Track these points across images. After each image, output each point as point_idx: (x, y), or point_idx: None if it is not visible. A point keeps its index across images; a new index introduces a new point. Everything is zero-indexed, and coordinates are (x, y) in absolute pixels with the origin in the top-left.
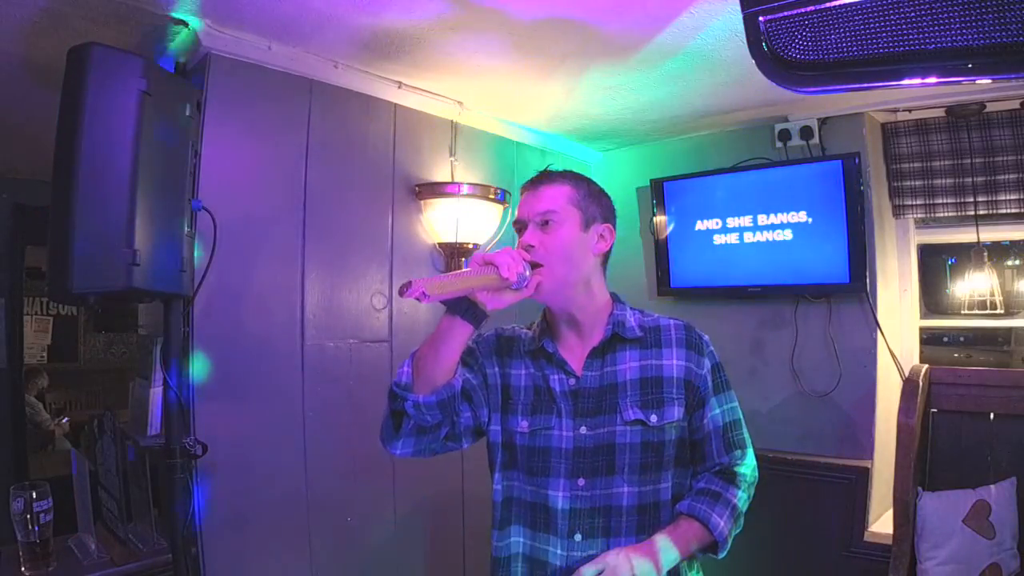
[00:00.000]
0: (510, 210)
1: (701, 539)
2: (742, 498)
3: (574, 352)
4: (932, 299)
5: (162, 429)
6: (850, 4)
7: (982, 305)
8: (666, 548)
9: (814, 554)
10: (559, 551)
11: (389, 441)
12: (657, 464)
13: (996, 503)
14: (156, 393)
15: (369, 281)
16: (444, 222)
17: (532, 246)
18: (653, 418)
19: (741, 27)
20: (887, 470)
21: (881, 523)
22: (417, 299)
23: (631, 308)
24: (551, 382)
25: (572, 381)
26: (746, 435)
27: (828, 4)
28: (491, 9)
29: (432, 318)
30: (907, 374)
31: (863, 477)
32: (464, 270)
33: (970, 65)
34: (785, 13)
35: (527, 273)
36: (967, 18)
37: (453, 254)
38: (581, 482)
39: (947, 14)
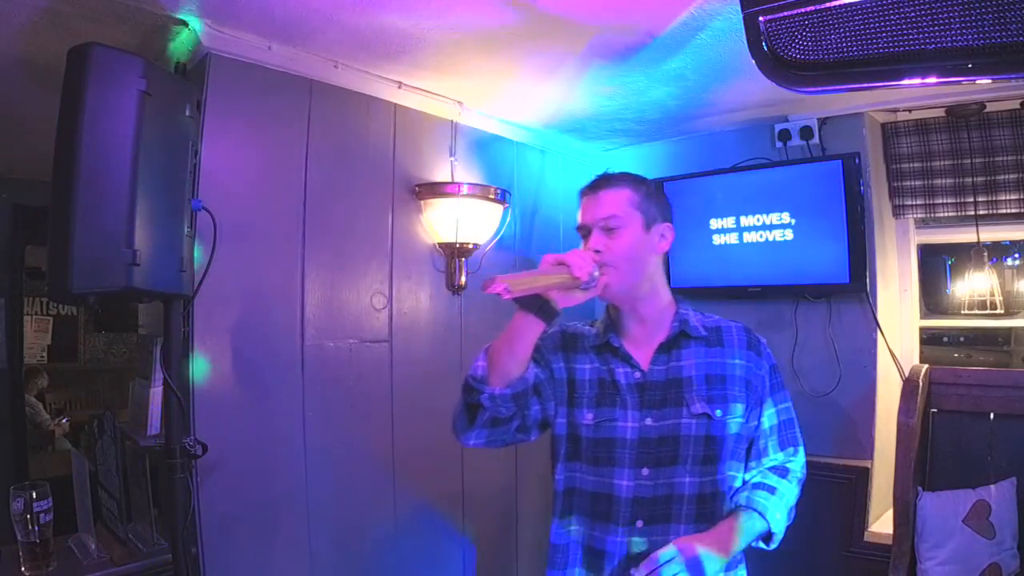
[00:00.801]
0: (510, 210)
1: (759, 530)
2: (795, 492)
3: (639, 347)
4: (932, 299)
5: (162, 429)
6: (850, 4)
7: (982, 305)
8: (729, 538)
9: (814, 554)
10: (619, 538)
11: (463, 432)
12: (717, 456)
13: (996, 503)
14: (156, 393)
15: (369, 281)
16: (444, 222)
17: (599, 251)
18: (718, 412)
19: (741, 27)
20: (887, 470)
21: (881, 523)
22: (499, 294)
23: (692, 308)
24: (616, 375)
25: (638, 375)
26: (799, 434)
27: (828, 4)
28: (491, 9)
29: (431, 319)
30: (907, 374)
31: (863, 477)
32: (537, 269)
33: (970, 65)
34: (785, 13)
35: (596, 273)
36: (967, 18)
37: (453, 254)
38: (645, 471)
39: (947, 14)
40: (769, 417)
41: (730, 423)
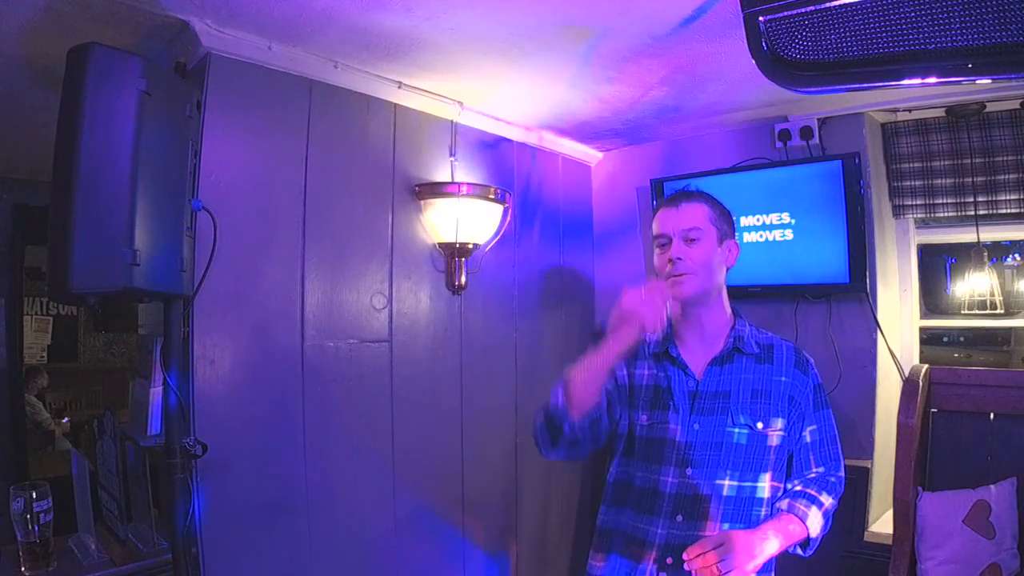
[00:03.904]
0: (509, 210)
1: (797, 535)
2: (831, 502)
3: (695, 356)
4: (932, 299)
5: (162, 429)
6: (850, 4)
7: (982, 305)
8: (772, 537)
9: (814, 554)
10: (660, 529)
11: (545, 450)
12: (757, 464)
13: (996, 503)
14: (156, 393)
15: (369, 281)
16: (444, 222)
17: (680, 259)
18: (760, 425)
19: (741, 27)
20: (887, 470)
21: (881, 523)
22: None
23: (749, 324)
24: (672, 382)
25: (691, 383)
26: (839, 450)
27: (828, 4)
28: (491, 9)
29: (431, 319)
30: (907, 374)
31: (863, 477)
32: (611, 340)
33: (970, 65)
34: (785, 13)
35: (666, 317)
36: (967, 18)
37: (453, 254)
38: (689, 471)
39: (947, 14)
40: (811, 433)
41: (771, 435)
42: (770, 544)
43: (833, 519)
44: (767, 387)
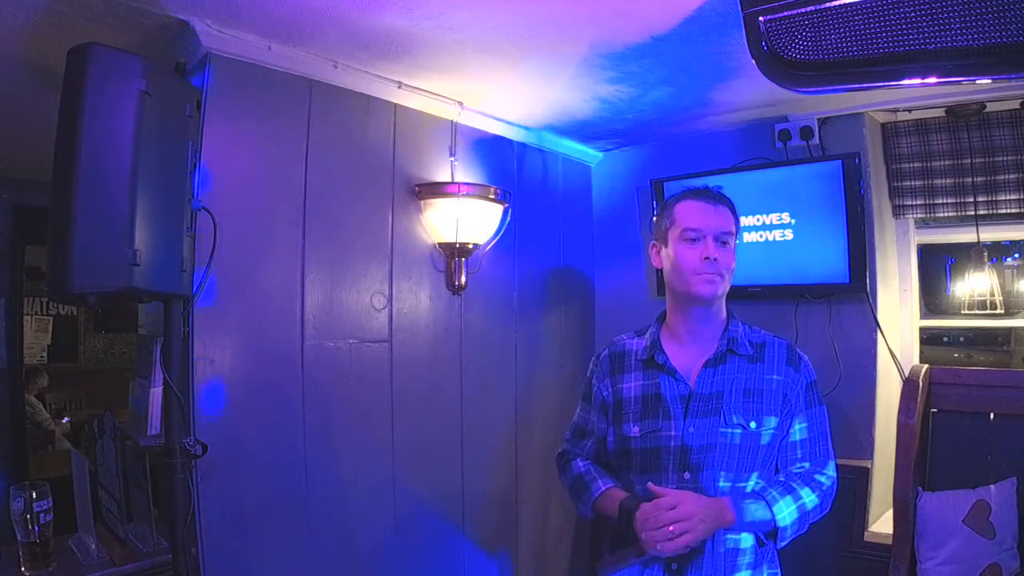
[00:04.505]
0: (509, 210)
1: (760, 518)
2: (812, 499)
3: (687, 360)
4: (932, 299)
5: (162, 429)
6: (850, 4)
7: (982, 305)
8: (729, 508)
9: (814, 554)
10: None
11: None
12: (751, 463)
13: (996, 503)
14: (156, 393)
15: (369, 281)
16: (444, 222)
17: (716, 259)
18: (753, 424)
19: (741, 27)
20: (887, 470)
21: (881, 523)
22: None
23: (742, 323)
24: (662, 389)
25: (683, 387)
26: (829, 448)
27: (828, 4)
28: (491, 9)
29: (431, 319)
30: (907, 374)
31: (863, 477)
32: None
33: (970, 65)
34: (785, 13)
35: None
36: (967, 18)
37: (453, 254)
38: (687, 475)
39: (947, 14)
40: (801, 430)
41: (764, 434)
42: (725, 514)
43: (819, 520)
44: (760, 386)
